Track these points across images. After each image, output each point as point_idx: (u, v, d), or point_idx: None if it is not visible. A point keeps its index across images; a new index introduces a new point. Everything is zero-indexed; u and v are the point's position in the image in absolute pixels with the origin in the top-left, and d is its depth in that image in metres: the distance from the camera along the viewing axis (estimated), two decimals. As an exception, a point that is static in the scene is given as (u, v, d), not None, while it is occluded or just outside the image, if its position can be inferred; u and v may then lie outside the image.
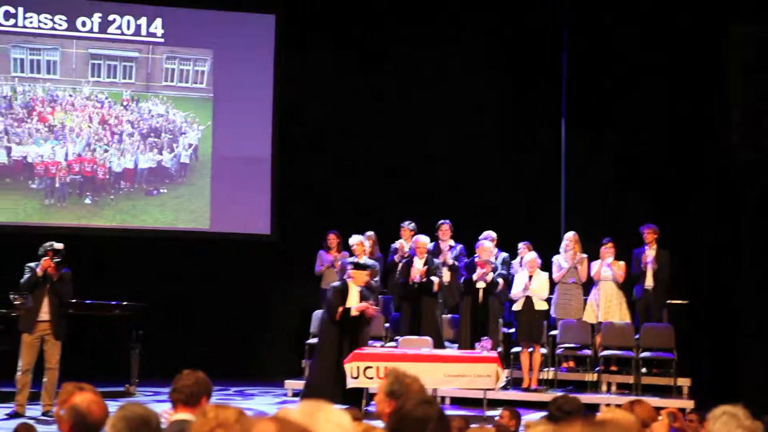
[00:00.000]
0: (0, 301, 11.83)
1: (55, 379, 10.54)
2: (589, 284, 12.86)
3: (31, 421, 7.44)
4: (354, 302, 11.30)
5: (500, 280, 12.43)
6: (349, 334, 11.23)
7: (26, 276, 10.58)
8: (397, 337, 12.40)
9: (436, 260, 12.69)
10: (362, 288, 11.43)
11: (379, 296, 13.08)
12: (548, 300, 12.50)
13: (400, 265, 12.81)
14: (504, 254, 13.14)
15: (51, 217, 14.03)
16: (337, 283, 11.62)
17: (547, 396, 11.80)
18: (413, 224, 13.39)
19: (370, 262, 12.69)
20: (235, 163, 14.53)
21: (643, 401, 5.77)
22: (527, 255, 12.56)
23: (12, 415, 10.38)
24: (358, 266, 11.57)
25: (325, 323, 11.48)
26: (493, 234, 13.09)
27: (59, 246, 10.58)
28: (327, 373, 11.07)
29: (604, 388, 12.52)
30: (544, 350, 12.37)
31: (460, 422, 5.84)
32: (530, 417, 6.63)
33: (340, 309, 11.21)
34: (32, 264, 10.59)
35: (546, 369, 12.50)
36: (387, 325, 13.17)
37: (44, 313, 10.60)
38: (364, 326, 11.43)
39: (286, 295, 14.30)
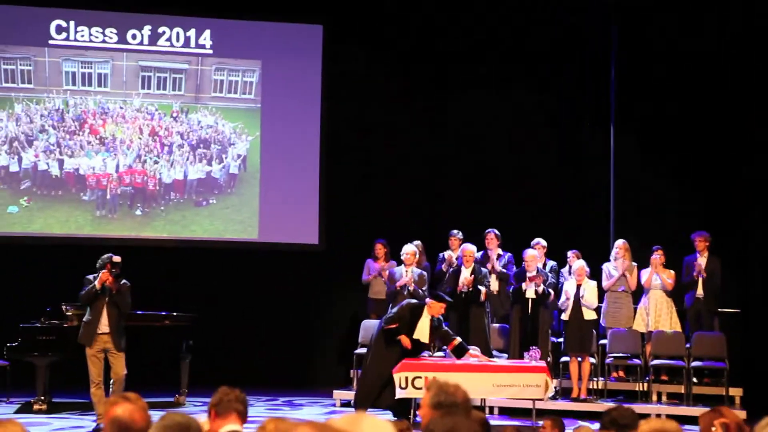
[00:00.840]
0: (52, 312, 12.00)
1: (121, 390, 10.52)
2: (638, 293, 12.75)
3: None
4: (425, 331, 11.07)
5: (551, 291, 12.36)
6: (399, 347, 11.13)
7: (85, 288, 10.64)
8: (444, 347, 12.36)
9: (483, 269, 12.66)
10: (434, 318, 11.26)
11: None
12: (597, 309, 12.40)
13: (448, 274, 12.79)
14: (552, 263, 13.08)
15: (102, 228, 14.18)
16: (414, 302, 11.37)
17: (596, 406, 11.73)
18: (461, 233, 13.37)
19: (417, 272, 12.68)
20: (283, 173, 14.59)
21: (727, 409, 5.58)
22: (575, 263, 12.48)
23: (95, 431, 10.36)
24: (437, 297, 11.23)
25: (379, 333, 11.40)
26: (542, 242, 13.05)
27: (117, 259, 10.63)
28: (376, 384, 11.04)
29: (654, 398, 12.40)
30: (593, 360, 12.28)
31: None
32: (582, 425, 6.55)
33: (395, 326, 11.07)
34: (91, 276, 10.63)
35: (595, 379, 12.40)
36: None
37: (104, 326, 10.63)
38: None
39: (334, 304, 14.34)
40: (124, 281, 10.73)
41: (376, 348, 11.22)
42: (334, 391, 12.72)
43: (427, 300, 11.24)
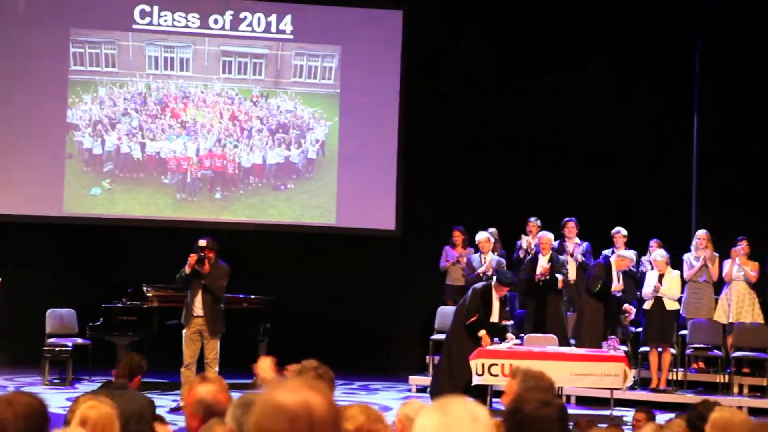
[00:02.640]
0: (134, 293, 12.20)
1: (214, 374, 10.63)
2: (720, 283, 12.54)
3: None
4: (495, 311, 11.15)
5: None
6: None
7: (180, 271, 10.81)
8: (521, 335, 12.30)
9: (561, 257, 12.56)
10: (501, 298, 11.27)
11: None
12: (679, 300, 12.23)
13: (525, 261, 12.72)
14: (633, 251, 12.92)
15: (182, 211, 14.36)
16: (479, 285, 11.42)
17: (675, 397, 11.58)
18: (539, 220, 13.28)
19: (496, 259, 12.64)
20: (361, 158, 14.61)
21: None
22: (655, 253, 12.33)
23: (175, 409, 10.43)
24: (502, 281, 11.22)
25: (458, 327, 11.38)
26: (623, 231, 12.91)
27: (202, 242, 10.74)
28: (453, 370, 11.05)
29: (735, 390, 12.20)
30: (673, 350, 12.12)
31: (586, 423, 5.75)
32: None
33: (476, 317, 11.11)
34: None
35: (675, 369, 12.24)
36: (511, 322, 13.07)
37: (198, 309, 10.78)
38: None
39: (411, 290, 14.33)
40: (222, 264, 10.84)
41: (458, 341, 11.20)
42: (410, 377, 12.74)
43: (494, 282, 11.25)
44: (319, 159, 14.67)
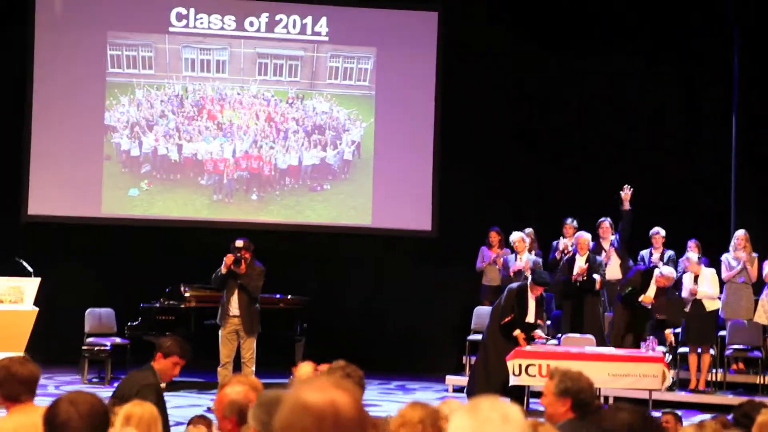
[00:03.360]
0: (171, 293, 12.27)
1: (251, 373, 10.67)
2: (759, 284, 12.42)
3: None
4: (531, 311, 11.14)
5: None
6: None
7: (216, 271, 10.89)
8: (558, 335, 12.25)
9: (598, 258, 12.50)
10: (537, 297, 11.25)
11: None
12: (718, 298, 12.12)
13: (562, 262, 12.67)
14: (670, 252, 12.85)
15: (219, 212, 14.42)
16: (515, 285, 11.41)
17: (715, 398, 11.49)
18: (575, 221, 13.23)
19: (533, 259, 12.61)
20: (397, 159, 14.61)
21: None
22: (690, 255, 12.24)
23: (210, 409, 10.56)
24: (538, 281, 11.20)
25: (495, 327, 11.37)
26: (661, 231, 12.83)
27: (239, 243, 10.83)
28: (490, 370, 11.04)
29: (775, 391, 12.08)
30: (713, 351, 12.02)
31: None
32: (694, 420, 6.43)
33: (510, 317, 11.11)
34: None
35: (714, 370, 12.13)
36: (548, 322, 13.03)
37: (234, 308, 10.87)
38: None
39: (447, 291, 14.30)
40: (258, 264, 10.90)
41: (494, 341, 11.18)
42: (447, 377, 12.73)
43: (529, 282, 11.23)
44: (355, 160, 14.69)
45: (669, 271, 12.00)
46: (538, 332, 11.15)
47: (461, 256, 13.68)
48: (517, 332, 10.94)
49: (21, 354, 4.56)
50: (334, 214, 14.62)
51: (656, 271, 11.96)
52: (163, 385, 6.44)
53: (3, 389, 4.43)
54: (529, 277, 11.41)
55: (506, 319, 11.10)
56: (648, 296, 11.80)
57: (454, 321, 14.03)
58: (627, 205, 12.59)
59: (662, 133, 14.64)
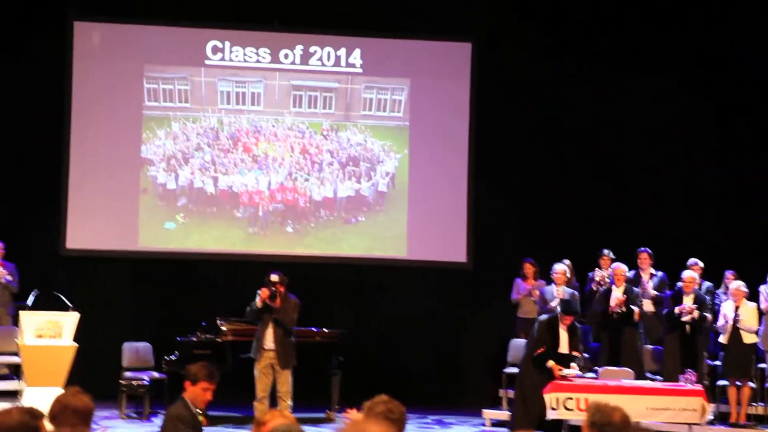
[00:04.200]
0: (208, 327, 12.29)
1: (287, 407, 10.65)
2: (799, 315, 12.29)
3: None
4: (564, 342, 11.10)
5: (708, 315, 12.02)
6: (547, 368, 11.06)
7: (251, 305, 10.91)
8: (596, 368, 12.16)
9: (636, 289, 12.42)
10: (568, 327, 11.20)
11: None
12: (756, 332, 12.00)
13: (598, 294, 12.60)
14: (708, 284, 12.74)
15: (254, 245, 14.45)
16: (545, 317, 11.39)
17: (756, 432, 11.35)
18: (611, 252, 13.16)
19: (569, 291, 12.53)
20: (431, 190, 14.61)
21: None
22: (732, 284, 12.14)
23: None
24: (566, 311, 11.19)
25: (528, 359, 11.33)
26: (699, 262, 12.73)
27: (274, 277, 10.88)
28: (527, 404, 10.97)
29: (816, 425, 11.93)
30: (752, 384, 11.88)
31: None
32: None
33: (542, 349, 11.07)
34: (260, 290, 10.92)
35: (755, 404, 11.99)
36: (586, 355, 12.94)
37: (269, 342, 10.90)
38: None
39: (483, 323, 14.25)
40: (292, 297, 10.93)
41: (529, 374, 11.12)
42: (484, 410, 12.66)
43: (559, 312, 11.20)
44: (390, 192, 14.69)
45: (689, 273, 12.10)
46: (572, 366, 11.01)
47: (496, 287, 13.62)
48: (550, 363, 10.87)
49: (73, 387, 4.58)
50: (368, 246, 14.62)
51: (682, 276, 12.04)
52: (201, 415, 6.47)
53: (57, 421, 4.46)
54: (558, 308, 11.37)
55: (538, 351, 11.06)
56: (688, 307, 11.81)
57: (490, 353, 13.97)
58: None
59: (695, 161, 14.57)
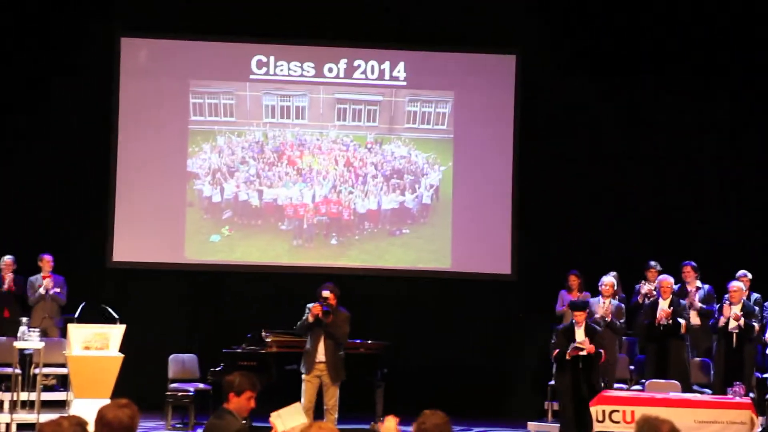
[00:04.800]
0: (253, 339, 12.34)
1: (333, 422, 10.69)
2: None
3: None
4: (582, 338, 11.13)
5: (756, 325, 11.88)
6: (583, 376, 11.03)
7: (302, 319, 10.95)
8: (642, 380, 12.06)
9: (682, 301, 12.31)
10: (589, 322, 11.26)
11: (623, 338, 12.80)
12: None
13: (645, 306, 12.50)
14: (756, 295, 12.59)
15: (299, 257, 14.51)
16: (561, 326, 11.53)
17: (806, 446, 11.17)
18: (658, 264, 13.05)
19: (615, 303, 12.44)
20: (475, 203, 14.60)
21: None
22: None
23: None
24: (572, 307, 11.40)
25: (558, 366, 11.37)
26: (748, 274, 12.59)
27: (326, 293, 10.92)
28: (566, 417, 10.97)
29: None
30: (802, 396, 11.73)
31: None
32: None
33: (556, 352, 11.18)
34: (311, 304, 10.96)
35: (806, 417, 11.81)
36: (632, 367, 12.85)
37: (321, 355, 10.93)
38: (595, 365, 11.11)
39: (528, 335, 14.18)
40: (343, 310, 10.96)
41: (557, 383, 11.23)
42: (529, 423, 12.59)
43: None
44: (434, 204, 14.70)
45: (737, 283, 11.97)
46: (582, 342, 10.99)
47: (541, 299, 13.57)
48: (568, 355, 10.97)
49: (121, 400, 4.57)
50: (413, 258, 14.63)
51: (729, 287, 11.93)
52: (245, 422, 6.49)
53: None
54: (601, 322, 11.41)
55: (554, 353, 11.13)
56: (734, 315, 11.72)
57: (534, 366, 13.90)
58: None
59: (743, 173, 14.43)
